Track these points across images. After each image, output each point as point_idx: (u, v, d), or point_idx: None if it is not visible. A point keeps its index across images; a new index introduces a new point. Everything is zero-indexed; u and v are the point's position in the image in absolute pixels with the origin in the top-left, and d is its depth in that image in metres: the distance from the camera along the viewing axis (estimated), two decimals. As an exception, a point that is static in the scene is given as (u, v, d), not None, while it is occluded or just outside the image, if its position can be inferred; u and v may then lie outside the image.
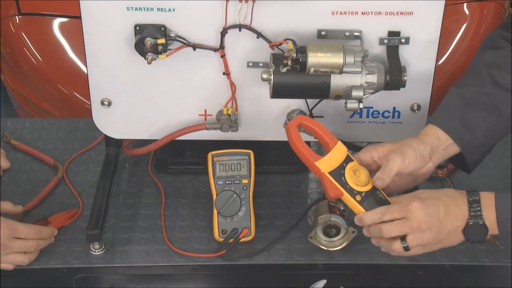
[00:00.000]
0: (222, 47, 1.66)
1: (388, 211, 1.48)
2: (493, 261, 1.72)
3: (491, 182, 1.94)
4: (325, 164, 1.51)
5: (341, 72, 1.59)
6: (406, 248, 1.48)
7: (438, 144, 1.59)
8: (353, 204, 1.51)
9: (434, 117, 1.65)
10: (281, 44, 1.63)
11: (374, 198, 1.51)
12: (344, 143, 1.78)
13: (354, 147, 1.85)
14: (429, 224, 1.46)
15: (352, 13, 1.64)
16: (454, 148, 1.60)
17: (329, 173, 1.51)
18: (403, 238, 1.48)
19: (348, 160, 1.53)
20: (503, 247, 1.74)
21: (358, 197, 1.51)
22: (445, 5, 1.64)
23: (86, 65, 1.72)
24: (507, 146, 1.99)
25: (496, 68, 1.62)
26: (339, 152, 1.53)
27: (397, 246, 1.49)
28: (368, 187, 1.52)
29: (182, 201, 1.88)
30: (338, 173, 1.51)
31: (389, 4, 1.63)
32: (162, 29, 1.63)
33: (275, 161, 1.94)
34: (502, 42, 1.65)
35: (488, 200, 1.47)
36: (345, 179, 1.51)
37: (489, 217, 1.47)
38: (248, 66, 1.69)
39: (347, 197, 1.51)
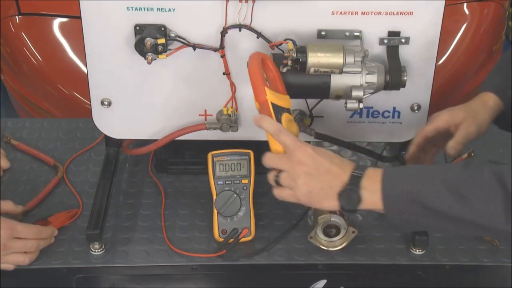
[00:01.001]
0: (222, 47, 1.66)
1: (284, 134, 1.46)
2: (493, 261, 1.72)
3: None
4: (272, 96, 1.50)
5: (341, 72, 1.59)
6: (277, 182, 1.47)
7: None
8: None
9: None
10: (281, 44, 1.63)
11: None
12: (344, 143, 1.80)
13: (354, 147, 1.86)
14: (307, 169, 1.45)
15: (352, 13, 1.64)
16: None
17: (272, 103, 1.50)
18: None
19: (288, 111, 1.52)
20: (503, 247, 1.74)
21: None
22: (445, 5, 1.64)
23: (86, 65, 1.72)
24: (507, 147, 1.99)
25: None
26: (285, 100, 1.53)
27: (271, 175, 1.48)
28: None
29: (182, 201, 1.88)
30: (278, 110, 1.50)
31: (389, 4, 1.63)
32: (162, 29, 1.63)
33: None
34: None
35: (374, 172, 1.44)
36: (280, 118, 1.50)
37: (370, 188, 1.43)
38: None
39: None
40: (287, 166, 1.47)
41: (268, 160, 1.49)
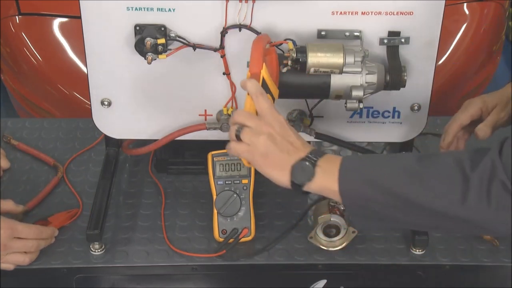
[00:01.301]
0: (222, 47, 1.66)
1: (263, 98, 1.45)
2: (493, 261, 1.72)
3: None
4: (266, 73, 1.49)
5: (341, 72, 1.59)
6: (238, 137, 1.44)
7: None
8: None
9: None
10: (281, 44, 1.62)
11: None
12: (344, 143, 1.81)
13: (354, 147, 1.85)
14: (273, 132, 1.43)
15: (352, 13, 1.64)
16: None
17: (263, 78, 1.49)
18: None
19: (273, 99, 1.52)
20: (503, 247, 1.74)
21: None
22: (445, 5, 1.63)
23: (86, 65, 1.72)
24: (507, 147, 1.98)
25: None
26: (274, 89, 1.52)
27: (234, 127, 1.46)
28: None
29: (182, 201, 1.88)
30: (265, 89, 1.49)
31: (389, 4, 1.63)
32: (162, 29, 1.63)
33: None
34: None
35: (334, 156, 1.44)
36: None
37: (327, 168, 1.41)
38: (248, 66, 1.68)
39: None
40: (254, 124, 1.45)
41: (238, 114, 1.46)
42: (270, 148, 1.43)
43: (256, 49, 1.52)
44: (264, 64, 1.49)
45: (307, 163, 1.42)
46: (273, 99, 1.52)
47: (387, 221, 1.45)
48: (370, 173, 1.40)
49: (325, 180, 1.42)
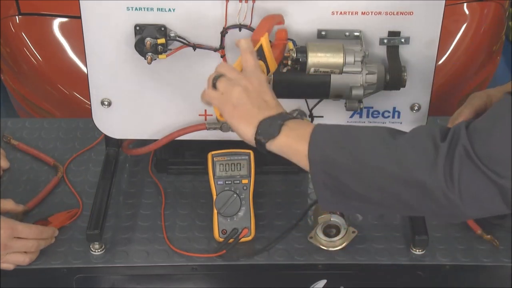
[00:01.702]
0: (222, 47, 1.66)
1: (251, 55, 1.46)
2: (493, 261, 1.72)
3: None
4: (266, 43, 1.50)
5: (341, 72, 1.59)
6: (214, 85, 1.44)
7: None
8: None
9: None
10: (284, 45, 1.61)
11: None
12: None
13: None
14: (249, 86, 1.43)
15: (352, 13, 1.64)
16: None
17: (261, 45, 1.49)
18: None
19: (267, 70, 1.51)
20: (503, 247, 1.74)
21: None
22: (445, 5, 1.63)
23: (86, 65, 1.72)
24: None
25: None
26: (272, 62, 1.52)
27: (211, 76, 1.46)
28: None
29: (182, 201, 1.88)
30: (260, 55, 1.50)
31: (389, 4, 1.63)
32: (162, 29, 1.63)
33: (275, 161, 1.92)
34: None
35: (307, 122, 1.43)
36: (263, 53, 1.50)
37: (296, 129, 1.39)
38: None
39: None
40: (233, 75, 1.44)
41: (221, 65, 1.47)
42: (242, 100, 1.41)
43: (265, 20, 1.54)
44: (266, 33, 1.49)
45: (274, 121, 1.39)
46: (267, 70, 1.51)
47: (347, 195, 1.39)
48: (342, 140, 1.37)
49: (292, 139, 1.39)
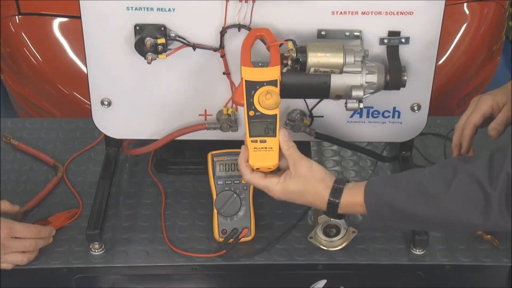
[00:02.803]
0: (222, 47, 1.66)
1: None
2: (494, 261, 1.72)
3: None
4: (250, 73, 1.55)
5: (341, 72, 1.59)
6: None
7: None
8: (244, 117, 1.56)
9: None
10: (281, 44, 1.62)
11: (264, 124, 1.55)
12: (344, 143, 1.81)
13: (354, 147, 1.87)
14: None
15: (352, 13, 1.63)
16: None
17: (246, 81, 1.54)
18: None
19: (272, 83, 1.55)
20: (503, 247, 1.74)
21: (252, 113, 1.55)
22: (445, 5, 1.63)
23: (86, 65, 1.72)
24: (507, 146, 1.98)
25: None
26: (272, 72, 1.55)
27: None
28: (267, 112, 1.55)
29: (182, 201, 1.88)
30: (252, 87, 1.54)
31: (389, 4, 1.63)
32: (162, 29, 1.63)
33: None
34: None
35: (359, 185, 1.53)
36: (253, 94, 1.54)
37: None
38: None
39: (244, 108, 1.56)
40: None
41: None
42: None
43: (241, 52, 1.57)
44: (243, 67, 1.56)
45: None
46: (274, 84, 1.56)
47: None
48: (389, 197, 1.48)
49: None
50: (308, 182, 1.55)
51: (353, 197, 1.51)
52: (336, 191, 1.52)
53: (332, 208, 1.53)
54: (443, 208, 1.40)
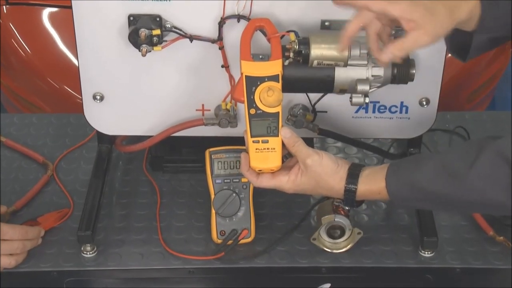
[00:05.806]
0: (220, 38, 1.65)
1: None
2: (506, 264, 1.70)
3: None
4: (251, 68, 1.53)
5: (346, 65, 1.56)
6: None
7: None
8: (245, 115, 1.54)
9: None
10: (282, 35, 1.59)
11: (266, 122, 1.53)
12: (349, 139, 1.80)
13: (359, 144, 1.86)
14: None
15: (357, 2, 1.60)
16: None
17: (247, 76, 1.52)
18: None
19: (274, 78, 1.53)
20: (515, 249, 1.74)
21: (253, 111, 1.53)
22: (456, -5, 1.60)
23: (77, 58, 1.70)
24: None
25: None
26: (273, 67, 1.54)
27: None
28: (269, 109, 1.52)
29: (178, 201, 1.87)
30: (252, 83, 1.52)
31: (397, -6, 1.59)
32: (157, 19, 1.62)
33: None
34: None
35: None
36: (255, 89, 1.52)
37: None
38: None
39: (244, 105, 1.54)
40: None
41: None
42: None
43: (240, 45, 1.55)
44: (242, 61, 1.53)
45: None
46: (275, 80, 1.53)
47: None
48: (411, 176, 1.47)
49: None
50: (320, 178, 1.53)
51: (371, 184, 1.51)
52: (352, 177, 1.52)
53: (349, 195, 1.53)
54: (468, 185, 1.39)
